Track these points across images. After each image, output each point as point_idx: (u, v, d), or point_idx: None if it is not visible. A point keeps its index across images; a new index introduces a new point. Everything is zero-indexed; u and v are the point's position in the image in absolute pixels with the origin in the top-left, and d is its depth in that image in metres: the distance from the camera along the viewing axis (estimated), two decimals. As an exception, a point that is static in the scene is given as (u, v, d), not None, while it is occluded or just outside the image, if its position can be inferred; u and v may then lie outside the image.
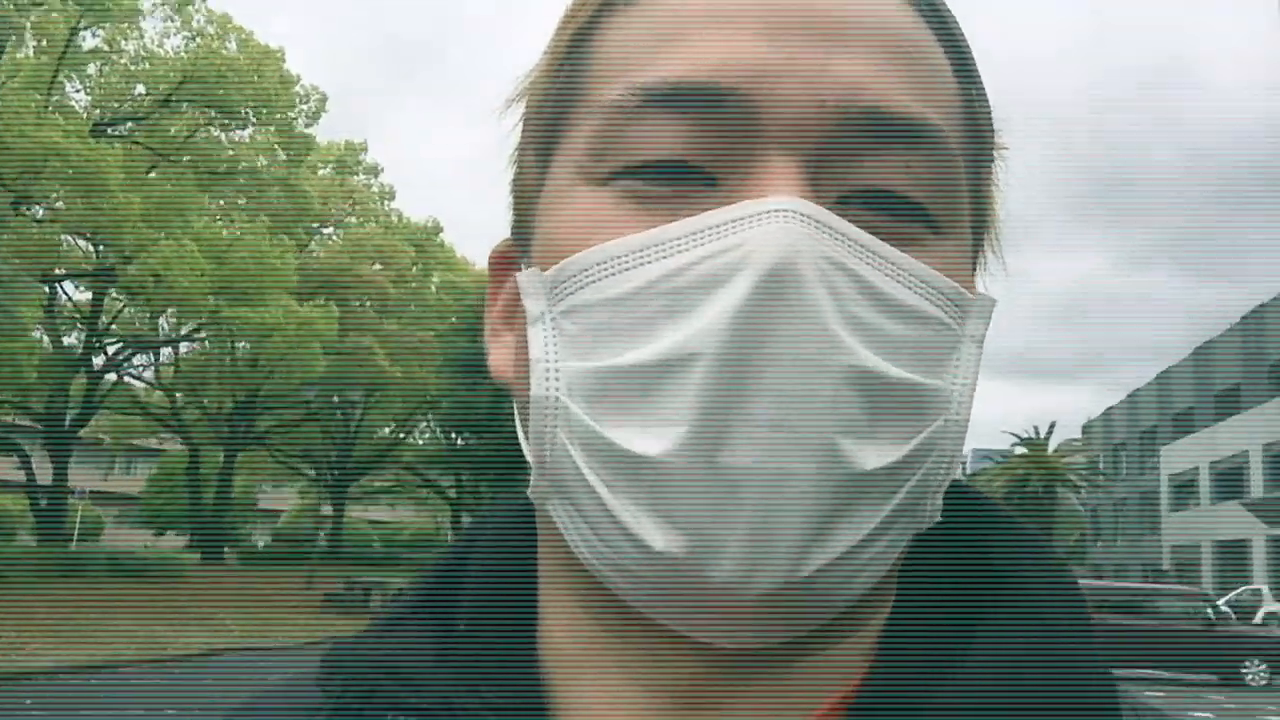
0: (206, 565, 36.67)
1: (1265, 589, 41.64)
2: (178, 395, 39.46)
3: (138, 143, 27.98)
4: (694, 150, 0.51)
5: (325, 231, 39.84)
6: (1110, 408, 77.75)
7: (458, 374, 38.50)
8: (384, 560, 45.33)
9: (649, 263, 0.50)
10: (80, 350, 33.25)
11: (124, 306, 34.47)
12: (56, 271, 29.40)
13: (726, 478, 0.47)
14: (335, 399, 40.09)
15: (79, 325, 33.96)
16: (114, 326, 35.06)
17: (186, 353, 38.26)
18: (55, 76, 26.42)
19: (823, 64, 0.51)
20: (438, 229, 45.01)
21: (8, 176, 22.94)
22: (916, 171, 0.52)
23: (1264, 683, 18.88)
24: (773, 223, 0.48)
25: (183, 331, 35.62)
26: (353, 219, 40.12)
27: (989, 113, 0.60)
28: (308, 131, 33.43)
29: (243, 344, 34.21)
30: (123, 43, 29.40)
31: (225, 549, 42.59)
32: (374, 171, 42.02)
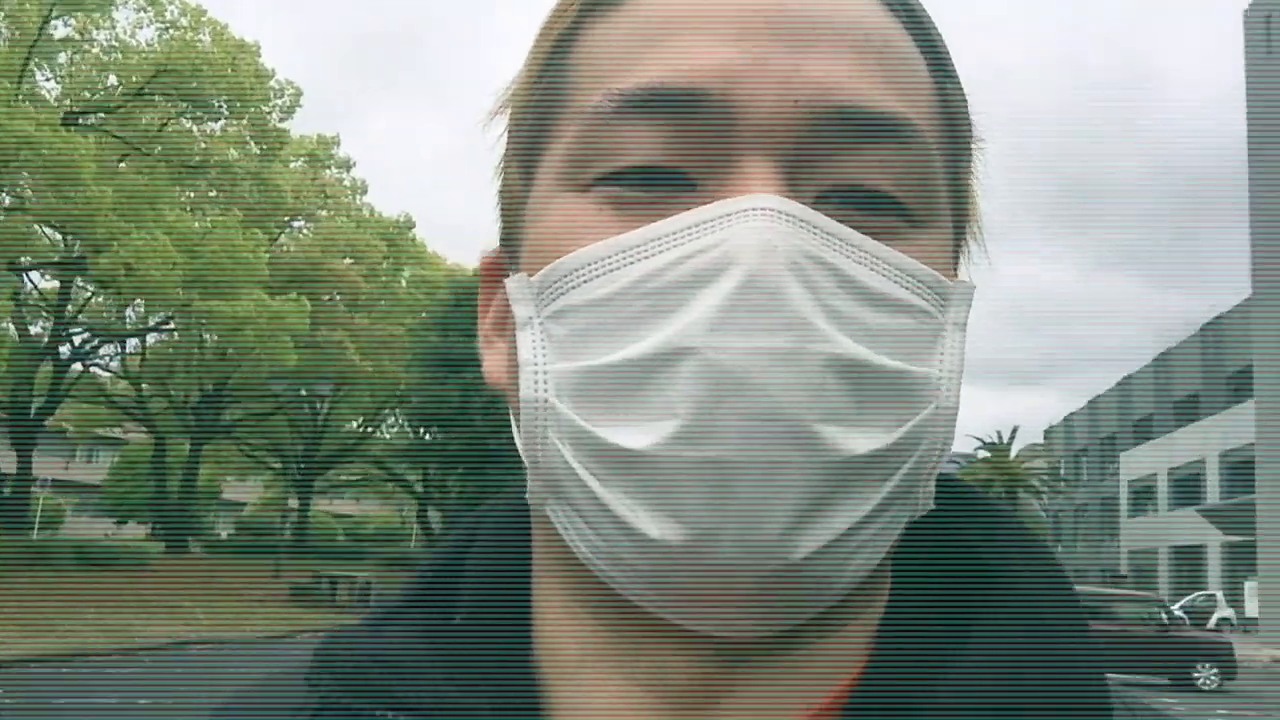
0: (171, 556, 36.52)
1: (1219, 594, 42.43)
2: (143, 385, 39.25)
3: (108, 133, 27.85)
4: (672, 154, 0.52)
5: (296, 225, 39.70)
6: (1072, 413, 78.71)
7: (427, 369, 38.58)
8: (349, 554, 45.27)
9: (631, 263, 0.51)
10: (46, 340, 33.02)
11: (91, 296, 34.28)
12: (23, 260, 29.19)
13: (717, 468, 0.48)
14: (303, 392, 39.98)
15: (45, 314, 33.74)
16: (81, 316, 34.83)
17: (154, 343, 38.05)
18: (26, 65, 26.26)
19: (796, 65, 0.52)
20: (410, 224, 44.93)
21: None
22: (892, 167, 0.53)
23: (1214, 686, 19.34)
24: (750, 220, 0.49)
25: (152, 323, 35.46)
26: (324, 212, 39.98)
27: (966, 107, 0.61)
28: (282, 126, 33.41)
29: (211, 336, 34.11)
30: (94, 32, 29.23)
31: (189, 540, 42.38)
32: (346, 166, 41.92)
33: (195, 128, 31.18)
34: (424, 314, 42.29)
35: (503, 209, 0.63)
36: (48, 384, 33.06)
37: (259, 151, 32.58)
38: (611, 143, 0.53)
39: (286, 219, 37.58)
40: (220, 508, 68.09)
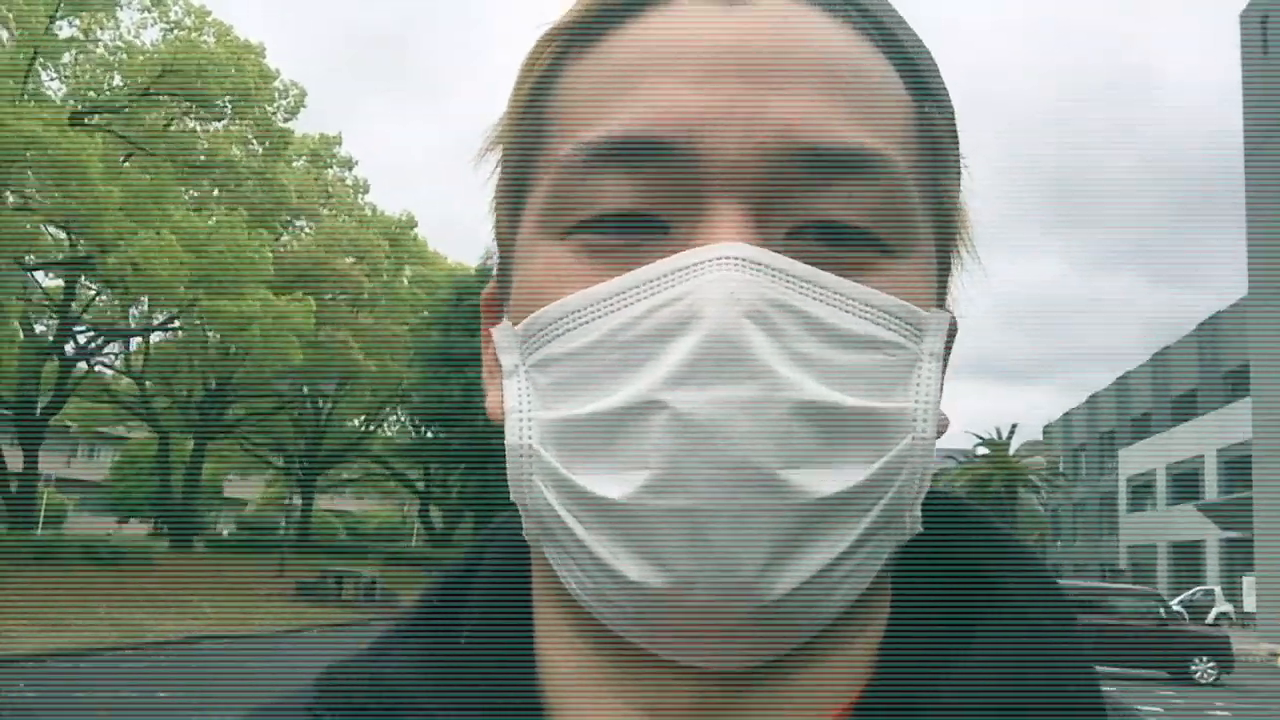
0: (176, 552, 36.72)
1: (1217, 590, 42.59)
2: (147, 383, 39.42)
3: (114, 132, 27.99)
4: (644, 200, 0.53)
5: (298, 224, 39.87)
6: (1070, 410, 78.86)
7: (429, 367, 38.72)
8: (352, 550, 45.48)
9: (603, 316, 0.52)
10: (52, 338, 33.19)
11: (96, 294, 34.44)
12: (29, 259, 29.35)
13: (689, 516, 0.49)
14: (305, 390, 40.16)
15: (50, 314, 33.90)
16: (85, 314, 34.99)
17: (158, 341, 38.22)
18: (32, 65, 26.41)
19: (759, 107, 0.52)
20: (412, 223, 45.12)
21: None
22: (861, 200, 0.54)
23: (1211, 680, 19.58)
24: (715, 270, 0.50)
25: (157, 321, 35.62)
26: (326, 211, 40.14)
27: (950, 121, 0.61)
28: (286, 126, 33.59)
29: (215, 334, 34.26)
30: (99, 32, 29.39)
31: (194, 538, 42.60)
32: (348, 165, 42.08)
33: (199, 126, 31.35)
34: (425, 312, 42.49)
35: (498, 246, 0.64)
36: (53, 382, 33.23)
37: (262, 150, 32.73)
38: (585, 191, 0.54)
39: (289, 218, 37.73)
40: (222, 505, 68.22)
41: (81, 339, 35.47)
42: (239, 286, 27.93)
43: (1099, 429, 70.71)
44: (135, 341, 38.46)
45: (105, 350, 37.46)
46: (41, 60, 27.43)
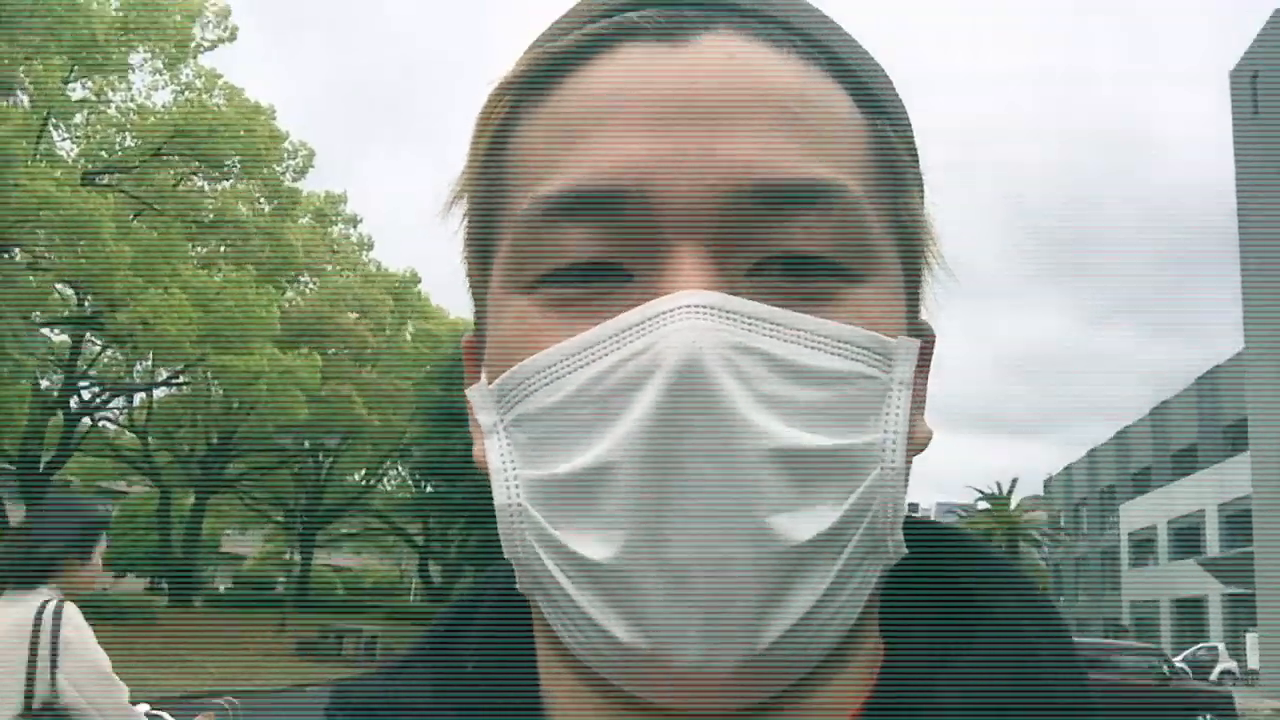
0: (175, 610, 36.59)
1: (1221, 646, 42.38)
2: (149, 438, 39.51)
3: (125, 192, 28.38)
4: (605, 250, 0.53)
5: (302, 280, 40.23)
6: (1070, 465, 78.78)
7: (431, 422, 38.86)
8: (350, 607, 45.29)
9: (571, 372, 0.52)
10: (57, 393, 33.36)
11: (102, 350, 34.67)
12: (36, 316, 29.62)
13: (671, 573, 0.49)
14: (306, 444, 40.24)
15: (56, 370, 34.10)
16: (90, 370, 35.20)
17: (162, 397, 38.38)
18: (45, 125, 26.85)
19: (708, 148, 0.52)
20: (415, 279, 45.52)
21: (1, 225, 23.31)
22: (818, 230, 0.53)
23: (1215, 737, 19.57)
24: (677, 320, 0.50)
25: (163, 376, 35.81)
26: (330, 268, 40.52)
27: (907, 137, 0.61)
28: (294, 186, 34.08)
29: (218, 389, 34.46)
30: (110, 93, 29.90)
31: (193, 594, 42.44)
32: (353, 222, 42.54)
33: (207, 185, 31.82)
34: (428, 367, 42.72)
35: (471, 295, 0.65)
36: (57, 437, 33.35)
37: (270, 209, 33.19)
38: (546, 245, 0.54)
39: (295, 274, 38.09)
40: (219, 560, 67.90)
41: (86, 394, 35.64)
42: (246, 343, 28.18)
43: (1099, 484, 70.62)
44: (139, 396, 38.61)
45: (109, 405, 37.58)
46: (54, 121, 27.89)
